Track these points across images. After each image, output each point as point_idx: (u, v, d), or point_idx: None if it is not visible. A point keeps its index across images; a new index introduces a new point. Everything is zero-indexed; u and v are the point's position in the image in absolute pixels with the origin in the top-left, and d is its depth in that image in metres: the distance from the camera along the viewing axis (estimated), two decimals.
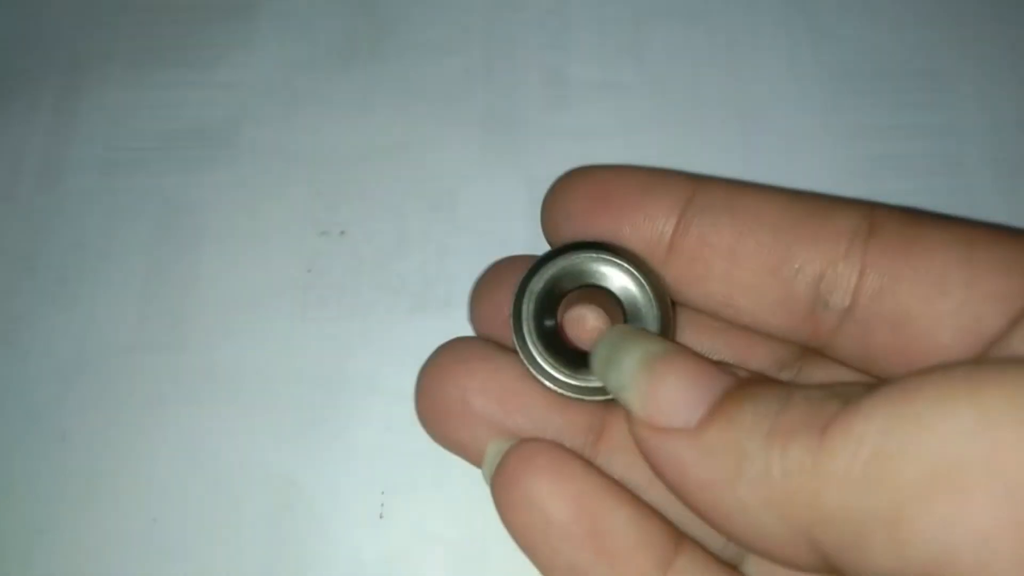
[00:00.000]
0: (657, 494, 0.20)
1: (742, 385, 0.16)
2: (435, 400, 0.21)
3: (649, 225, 0.20)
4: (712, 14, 0.34)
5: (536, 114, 0.32)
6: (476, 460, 0.21)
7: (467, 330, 0.28)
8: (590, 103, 0.32)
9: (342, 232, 0.30)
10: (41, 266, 0.31)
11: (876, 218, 0.19)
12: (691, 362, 0.17)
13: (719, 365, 0.17)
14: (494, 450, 0.20)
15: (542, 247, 0.29)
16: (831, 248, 0.19)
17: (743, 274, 0.19)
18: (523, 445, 0.19)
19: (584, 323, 0.23)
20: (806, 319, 0.19)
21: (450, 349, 0.22)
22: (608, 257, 0.20)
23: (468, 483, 0.27)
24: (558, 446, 0.20)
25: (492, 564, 0.26)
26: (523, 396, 0.20)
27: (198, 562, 0.26)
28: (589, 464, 0.20)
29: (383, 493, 0.27)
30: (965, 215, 0.30)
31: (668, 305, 0.20)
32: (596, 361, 0.19)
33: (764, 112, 0.32)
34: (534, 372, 0.20)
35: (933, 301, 0.18)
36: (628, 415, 0.17)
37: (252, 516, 0.27)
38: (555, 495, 0.19)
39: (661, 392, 0.17)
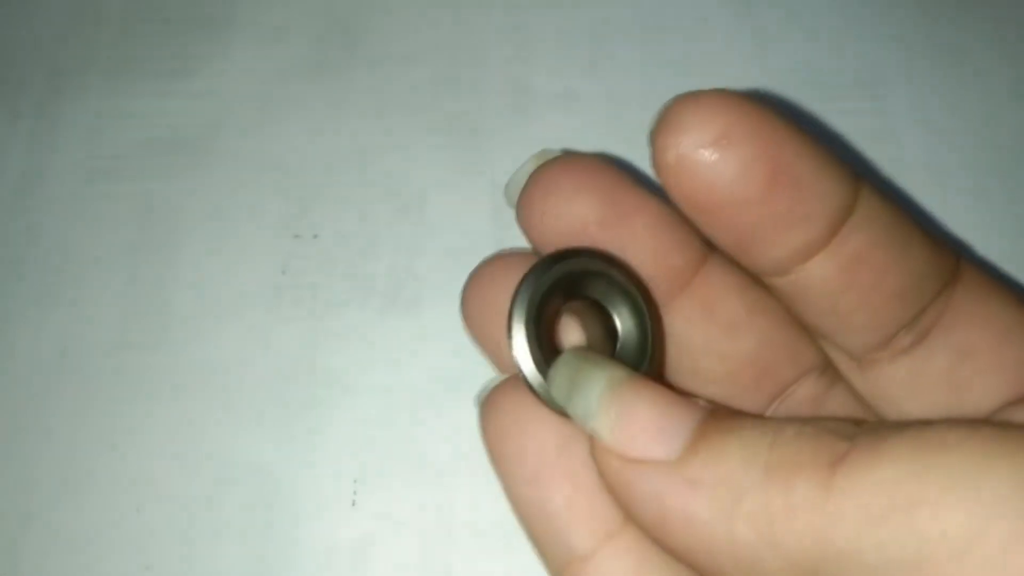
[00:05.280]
0: None
1: (716, 416, 0.15)
2: (481, 298, 0.20)
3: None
4: (665, 29, 0.36)
5: (500, 123, 0.34)
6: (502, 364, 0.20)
7: (435, 329, 0.30)
8: (551, 113, 0.34)
9: (315, 235, 0.32)
10: (25, 269, 0.32)
11: (963, 266, 0.20)
12: (660, 390, 0.16)
13: (686, 395, 0.16)
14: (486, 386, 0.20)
15: (505, 248, 0.31)
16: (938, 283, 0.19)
17: (876, 294, 0.18)
18: (511, 380, 0.19)
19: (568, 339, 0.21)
20: (887, 341, 0.19)
21: (504, 257, 0.21)
22: (610, 272, 0.19)
23: (436, 471, 0.28)
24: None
25: (460, 546, 0.27)
26: None
27: (181, 548, 0.27)
28: None
29: (356, 481, 0.28)
30: None
31: (660, 336, 0.19)
32: (556, 388, 0.17)
33: None
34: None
35: (1000, 345, 0.19)
36: (594, 446, 0.16)
37: (231, 504, 0.28)
38: (533, 430, 0.18)
39: (634, 419, 0.15)
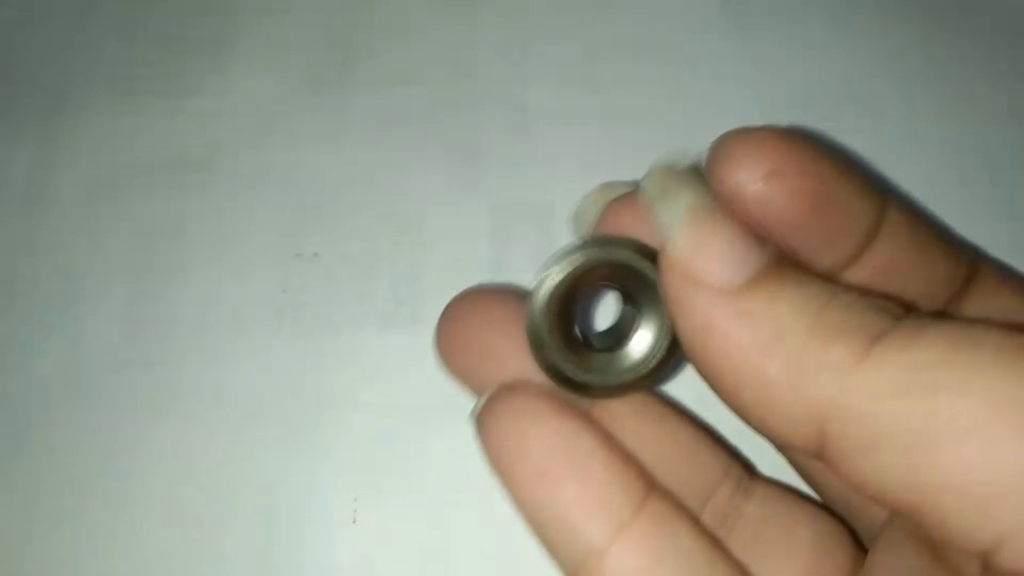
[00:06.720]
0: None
1: (782, 264, 0.17)
2: (455, 337, 0.22)
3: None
4: (660, 48, 0.36)
5: (497, 142, 0.34)
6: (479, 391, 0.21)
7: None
8: (548, 132, 0.34)
9: (315, 254, 0.32)
10: (26, 288, 0.32)
11: (980, 265, 0.22)
12: (739, 226, 0.17)
13: (762, 236, 0.18)
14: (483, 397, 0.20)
15: (503, 267, 0.32)
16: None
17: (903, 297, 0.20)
18: (508, 387, 0.20)
19: None
20: None
21: (474, 295, 0.22)
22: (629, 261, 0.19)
23: (436, 489, 0.28)
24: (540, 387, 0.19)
25: (459, 564, 0.28)
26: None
27: (182, 566, 0.28)
28: (569, 405, 0.19)
29: (356, 499, 0.28)
30: None
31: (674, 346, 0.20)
32: (648, 189, 0.18)
33: (709, 139, 0.34)
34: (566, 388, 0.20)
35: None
36: (664, 257, 0.17)
37: (232, 521, 0.28)
38: (537, 429, 0.19)
39: (708, 241, 0.17)
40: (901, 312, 0.16)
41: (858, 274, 0.20)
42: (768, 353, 0.16)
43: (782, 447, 0.23)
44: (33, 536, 0.28)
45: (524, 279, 0.31)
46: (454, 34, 0.36)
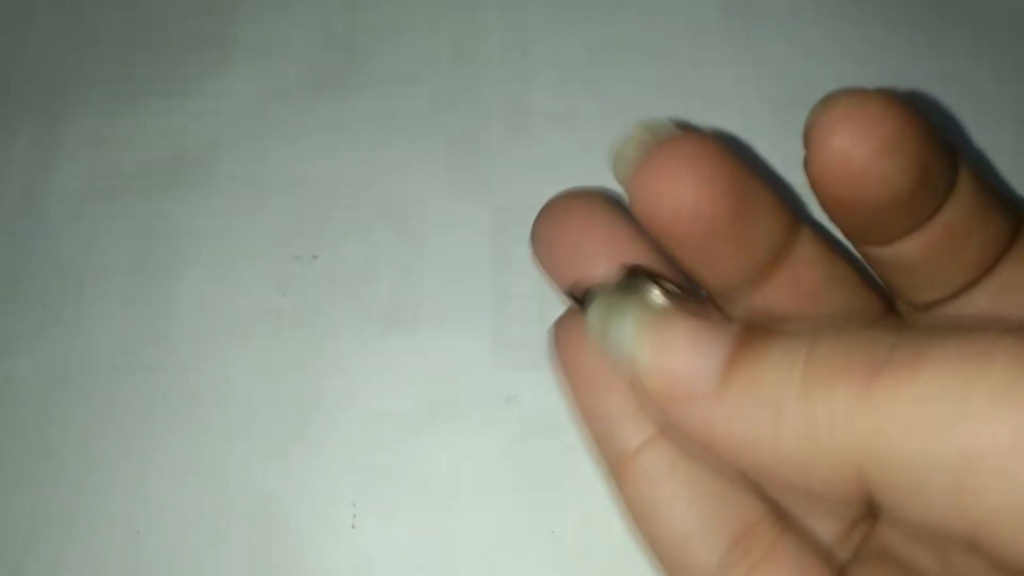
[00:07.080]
0: None
1: (749, 336, 0.16)
2: (551, 233, 0.23)
3: None
4: (661, 48, 0.36)
5: (498, 143, 0.34)
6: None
7: (435, 351, 0.30)
8: (549, 132, 0.34)
9: (314, 256, 0.32)
10: (23, 290, 0.32)
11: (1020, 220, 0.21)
12: (691, 318, 0.16)
13: (716, 315, 0.17)
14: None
15: (504, 271, 0.31)
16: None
17: (960, 258, 0.20)
18: (576, 309, 0.21)
19: None
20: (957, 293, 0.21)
21: (575, 195, 0.23)
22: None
23: (436, 493, 0.28)
24: None
25: (460, 571, 0.28)
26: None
27: (179, 570, 0.28)
28: None
29: (355, 505, 0.28)
30: None
31: None
32: (591, 331, 0.18)
33: None
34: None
35: None
36: (638, 385, 0.17)
37: (231, 527, 0.28)
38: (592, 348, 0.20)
39: (671, 359, 0.16)
40: (894, 336, 0.14)
41: (916, 240, 0.19)
42: (777, 427, 0.15)
43: (843, 513, 0.22)
44: (31, 537, 0.28)
45: (526, 280, 0.31)
46: (454, 34, 0.36)
